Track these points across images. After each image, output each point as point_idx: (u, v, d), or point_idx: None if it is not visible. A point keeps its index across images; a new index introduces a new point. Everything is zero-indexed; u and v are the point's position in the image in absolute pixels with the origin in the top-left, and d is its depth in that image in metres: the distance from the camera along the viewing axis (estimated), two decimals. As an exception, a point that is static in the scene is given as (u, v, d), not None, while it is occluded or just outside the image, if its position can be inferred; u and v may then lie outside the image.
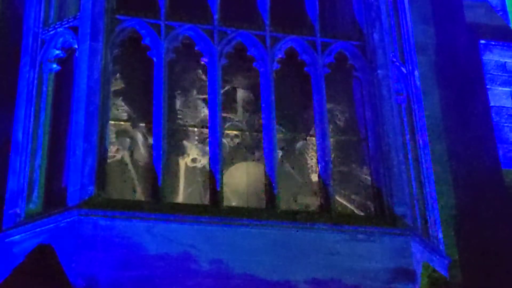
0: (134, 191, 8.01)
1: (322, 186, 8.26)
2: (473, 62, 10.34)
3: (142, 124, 8.28)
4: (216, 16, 8.71)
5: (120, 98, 8.37)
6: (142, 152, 8.20)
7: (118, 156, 8.16)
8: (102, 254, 7.31)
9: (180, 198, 8.09)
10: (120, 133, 8.23)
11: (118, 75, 8.43)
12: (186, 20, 8.63)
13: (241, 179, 8.39)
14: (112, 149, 8.11)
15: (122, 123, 8.26)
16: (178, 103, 8.47)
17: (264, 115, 8.44)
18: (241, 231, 7.68)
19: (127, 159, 8.17)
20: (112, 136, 8.14)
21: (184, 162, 8.27)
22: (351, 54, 8.97)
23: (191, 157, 8.28)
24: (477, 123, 10.10)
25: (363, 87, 8.88)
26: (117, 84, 8.42)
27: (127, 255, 7.36)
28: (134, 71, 8.53)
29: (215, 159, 8.08)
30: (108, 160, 7.98)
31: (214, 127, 8.24)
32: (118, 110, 8.31)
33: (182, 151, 8.30)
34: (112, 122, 8.17)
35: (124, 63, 8.50)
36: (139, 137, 8.26)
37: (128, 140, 8.24)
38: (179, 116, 8.42)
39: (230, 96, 8.67)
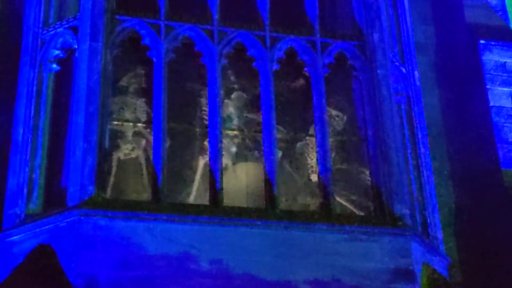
0: (134, 191, 8.01)
1: (322, 186, 8.25)
2: (472, 62, 10.34)
3: (142, 124, 8.28)
4: (216, 16, 8.70)
5: (120, 98, 8.37)
6: (141, 152, 8.20)
7: (118, 156, 8.15)
8: (102, 254, 7.31)
9: (184, 198, 8.09)
10: (120, 133, 8.23)
11: (117, 75, 8.43)
12: (186, 20, 8.62)
13: (241, 179, 8.38)
14: (112, 150, 8.11)
15: (122, 123, 8.26)
16: (180, 103, 8.47)
17: (264, 115, 8.44)
18: (241, 231, 7.68)
19: (127, 159, 8.17)
20: (111, 137, 8.14)
21: (203, 162, 8.25)
22: (351, 54, 8.96)
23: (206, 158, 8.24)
24: (477, 123, 10.10)
25: (363, 87, 8.87)
26: (117, 84, 8.41)
27: (127, 255, 7.35)
28: (134, 71, 8.52)
29: (215, 159, 8.08)
30: (108, 161, 7.98)
31: (214, 127, 8.23)
32: (118, 110, 8.30)
33: (192, 151, 8.31)
34: (113, 122, 8.17)
35: (124, 63, 8.49)
36: (139, 137, 8.26)
37: (128, 140, 8.23)
38: (182, 115, 8.41)
39: (230, 96, 8.67)
